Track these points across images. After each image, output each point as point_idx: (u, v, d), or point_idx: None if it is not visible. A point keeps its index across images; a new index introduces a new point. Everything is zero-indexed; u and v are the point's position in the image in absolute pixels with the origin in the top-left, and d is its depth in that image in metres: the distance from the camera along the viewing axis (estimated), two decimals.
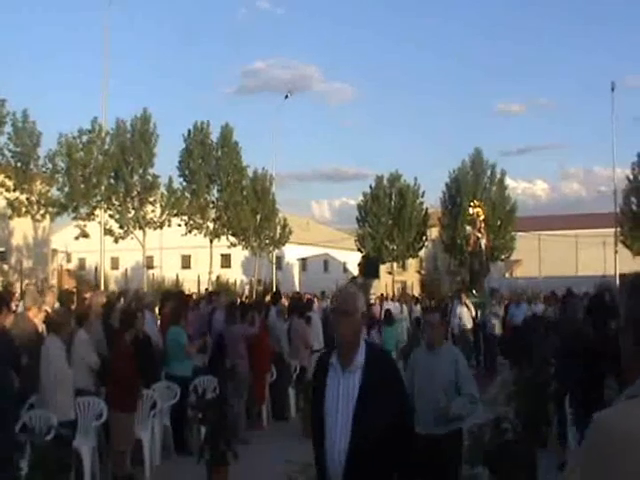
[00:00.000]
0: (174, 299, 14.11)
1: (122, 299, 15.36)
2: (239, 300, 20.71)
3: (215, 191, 42.16)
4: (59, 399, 8.75)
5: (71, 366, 9.21)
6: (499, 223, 49.50)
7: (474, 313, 22.62)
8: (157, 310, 15.50)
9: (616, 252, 46.23)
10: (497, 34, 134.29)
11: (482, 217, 32.91)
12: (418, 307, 27.86)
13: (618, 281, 36.70)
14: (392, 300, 29.87)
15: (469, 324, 21.84)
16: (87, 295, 14.28)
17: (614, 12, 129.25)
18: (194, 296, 20.32)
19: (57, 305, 12.62)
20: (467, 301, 23.11)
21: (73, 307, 12.96)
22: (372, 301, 28.31)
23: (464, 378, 6.71)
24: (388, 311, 20.43)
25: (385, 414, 4.11)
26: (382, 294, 34.80)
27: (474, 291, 29.54)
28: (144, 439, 10.24)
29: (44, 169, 33.68)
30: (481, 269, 32.43)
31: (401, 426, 4.25)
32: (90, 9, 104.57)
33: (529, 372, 11.65)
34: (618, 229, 46.58)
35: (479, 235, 32.23)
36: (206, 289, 20.45)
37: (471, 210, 33.65)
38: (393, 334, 19.19)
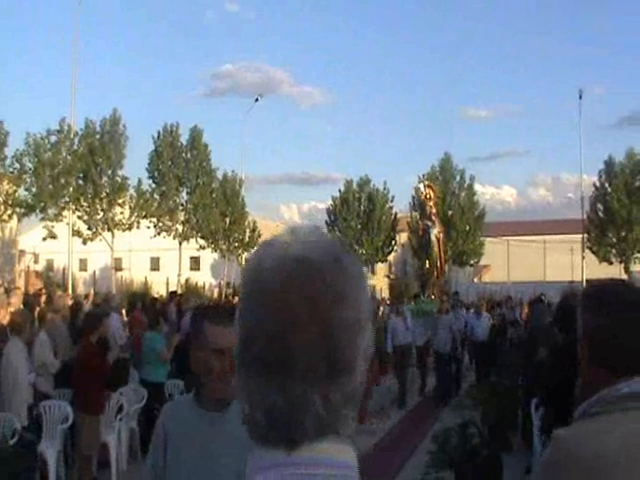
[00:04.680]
0: (149, 305, 14.07)
1: (88, 301, 15.28)
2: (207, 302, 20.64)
3: (184, 193, 42.06)
4: (15, 403, 8.67)
5: (34, 369, 9.15)
6: (468, 228, 49.80)
7: (409, 325, 17.97)
8: (125, 312, 15.45)
9: (583, 258, 46.70)
10: (465, 40, 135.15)
11: (433, 201, 26.96)
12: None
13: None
14: None
15: (404, 339, 17.66)
16: (58, 295, 14.22)
17: (582, 20, 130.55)
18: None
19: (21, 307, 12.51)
20: (405, 309, 19.15)
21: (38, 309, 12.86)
22: None
23: None
24: None
25: None
26: None
27: (422, 296, 25.17)
28: (110, 443, 10.15)
29: (11, 169, 33.27)
30: (431, 268, 26.65)
31: None
32: (59, 9, 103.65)
33: (495, 377, 11.73)
34: (585, 235, 47.09)
35: (429, 223, 26.43)
36: (171, 292, 20.31)
37: (422, 187, 28.06)
38: None
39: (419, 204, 27.96)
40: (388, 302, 25.69)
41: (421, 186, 27.63)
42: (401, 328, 17.64)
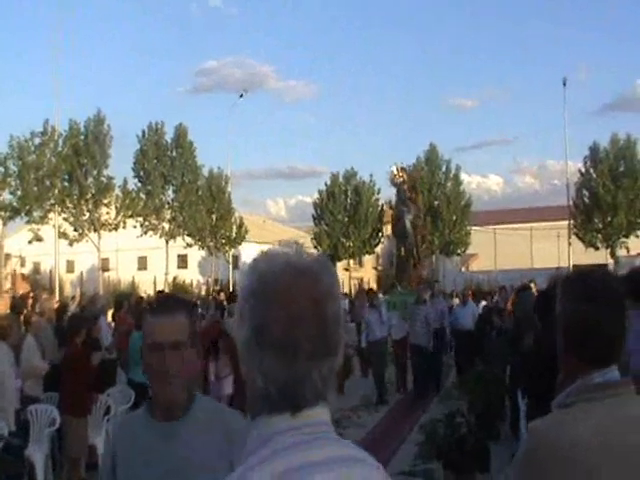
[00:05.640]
0: (135, 304, 14.03)
1: (74, 303, 15.23)
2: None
3: (170, 192, 42.07)
4: (2, 408, 8.63)
5: (21, 373, 9.11)
6: (454, 218, 49.90)
7: (385, 317, 16.59)
8: (111, 313, 15.41)
9: (569, 244, 46.84)
10: (449, 30, 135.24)
11: (407, 185, 25.68)
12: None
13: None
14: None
15: (380, 333, 16.36)
16: (43, 298, 14.18)
17: (566, 7, 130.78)
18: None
19: (8, 311, 12.46)
20: (381, 301, 18.00)
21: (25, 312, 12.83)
22: None
23: None
24: None
25: None
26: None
27: (399, 286, 23.82)
28: (98, 444, 10.11)
29: None
30: (408, 256, 25.19)
31: None
32: (41, 8, 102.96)
33: (482, 366, 11.75)
34: (571, 222, 47.24)
35: (403, 209, 25.05)
36: (158, 291, 20.24)
37: (394, 169, 25.98)
38: None
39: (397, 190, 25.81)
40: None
41: (394, 169, 25.74)
42: (376, 322, 16.39)
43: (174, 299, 2.85)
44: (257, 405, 1.46)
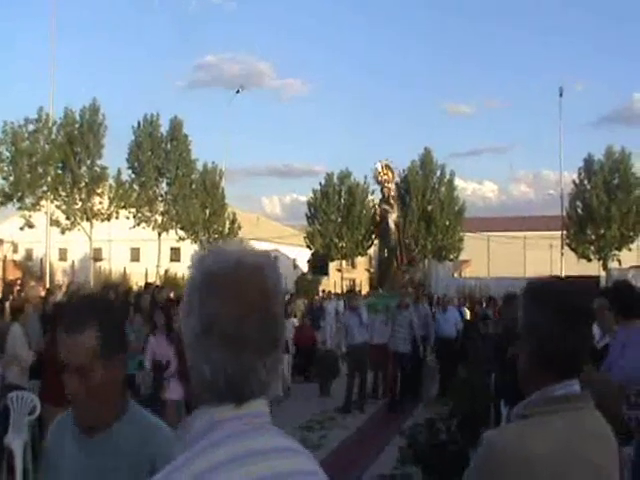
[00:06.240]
0: (119, 295, 13.94)
1: (60, 291, 15.16)
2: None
3: (164, 184, 42.00)
4: None
5: (4, 361, 9.06)
6: (447, 223, 49.85)
7: (365, 320, 15.70)
8: None
9: (562, 255, 46.89)
10: (448, 36, 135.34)
11: (391, 183, 24.84)
12: None
13: None
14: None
15: (360, 336, 15.48)
16: (30, 285, 14.11)
17: (565, 17, 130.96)
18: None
19: None
20: (360, 303, 16.60)
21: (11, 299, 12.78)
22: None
23: None
24: None
25: None
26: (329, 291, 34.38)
27: (380, 289, 23.39)
28: None
29: None
30: (391, 257, 24.18)
31: None
32: None
33: (465, 373, 11.72)
34: (564, 232, 47.28)
35: (387, 208, 24.11)
36: (146, 283, 20.15)
37: (379, 167, 24.82)
38: None
39: (381, 188, 24.91)
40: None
41: (379, 166, 24.55)
42: (355, 325, 15.54)
43: (86, 311, 2.47)
44: (202, 395, 1.48)
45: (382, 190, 24.73)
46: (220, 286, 1.46)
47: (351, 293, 18.60)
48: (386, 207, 24.03)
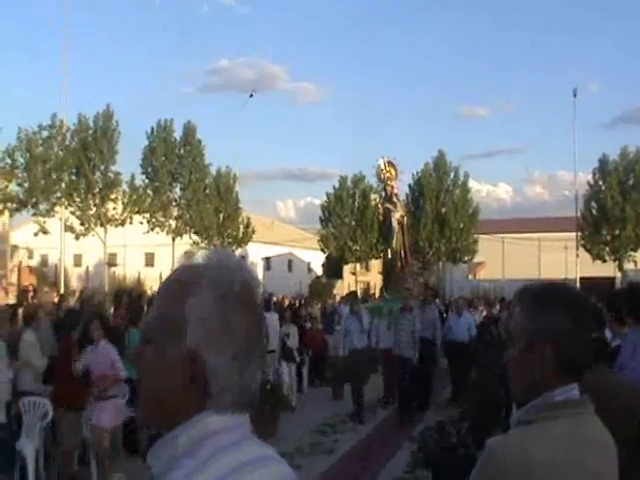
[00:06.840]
0: (132, 300, 13.98)
1: (73, 297, 15.23)
2: None
3: (178, 189, 42.11)
4: None
5: (16, 368, 9.11)
6: (462, 225, 49.71)
7: (366, 325, 15.35)
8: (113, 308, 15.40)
9: (577, 256, 46.68)
10: (461, 38, 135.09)
11: (394, 182, 23.72)
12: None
13: (579, 285, 37.10)
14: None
15: (359, 342, 15.03)
16: (44, 291, 14.18)
17: (580, 18, 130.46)
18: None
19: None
20: (362, 308, 16.18)
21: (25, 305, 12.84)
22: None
23: None
24: None
25: None
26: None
27: (385, 293, 22.67)
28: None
29: (3, 164, 33.24)
30: (394, 257, 23.08)
31: None
32: (51, 1, 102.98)
33: (476, 376, 11.68)
34: (579, 234, 47.07)
35: (390, 206, 23.11)
36: None
37: (381, 163, 23.73)
38: None
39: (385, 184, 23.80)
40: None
41: (381, 163, 23.59)
42: (356, 330, 15.02)
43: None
44: (199, 405, 1.41)
45: (385, 188, 23.86)
46: (244, 299, 1.44)
47: (351, 296, 17.95)
48: (389, 205, 23.03)
